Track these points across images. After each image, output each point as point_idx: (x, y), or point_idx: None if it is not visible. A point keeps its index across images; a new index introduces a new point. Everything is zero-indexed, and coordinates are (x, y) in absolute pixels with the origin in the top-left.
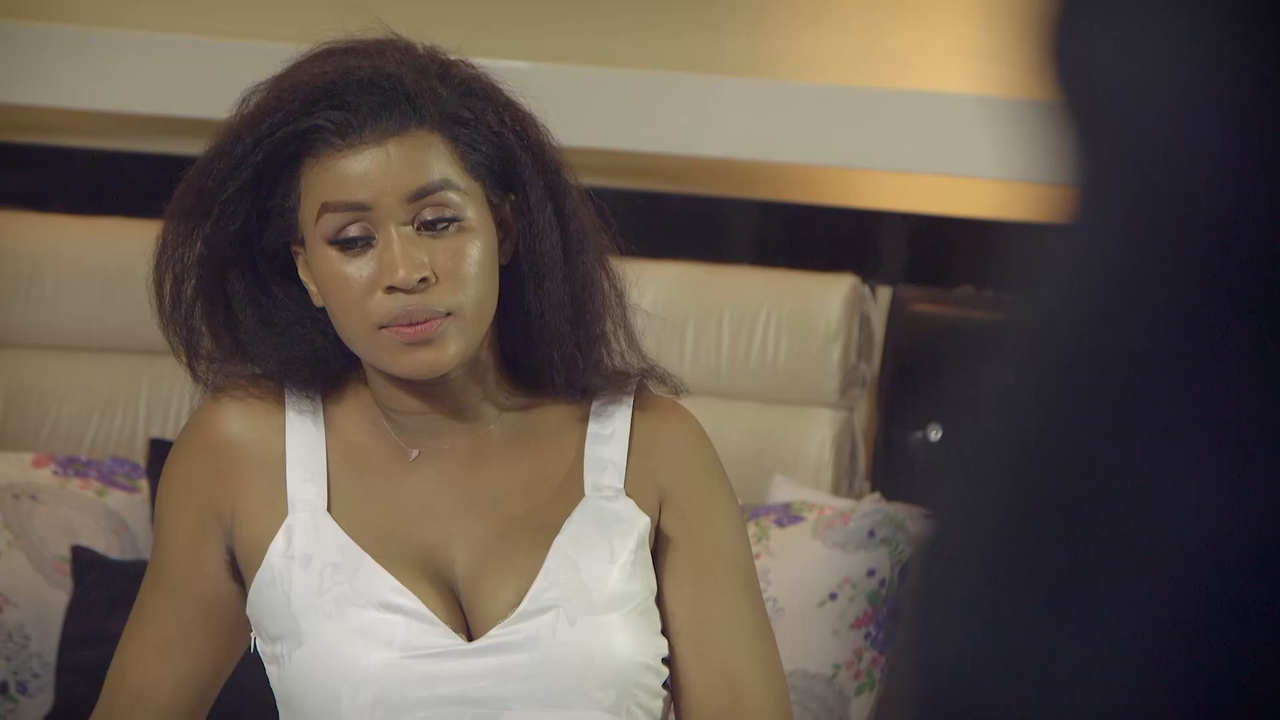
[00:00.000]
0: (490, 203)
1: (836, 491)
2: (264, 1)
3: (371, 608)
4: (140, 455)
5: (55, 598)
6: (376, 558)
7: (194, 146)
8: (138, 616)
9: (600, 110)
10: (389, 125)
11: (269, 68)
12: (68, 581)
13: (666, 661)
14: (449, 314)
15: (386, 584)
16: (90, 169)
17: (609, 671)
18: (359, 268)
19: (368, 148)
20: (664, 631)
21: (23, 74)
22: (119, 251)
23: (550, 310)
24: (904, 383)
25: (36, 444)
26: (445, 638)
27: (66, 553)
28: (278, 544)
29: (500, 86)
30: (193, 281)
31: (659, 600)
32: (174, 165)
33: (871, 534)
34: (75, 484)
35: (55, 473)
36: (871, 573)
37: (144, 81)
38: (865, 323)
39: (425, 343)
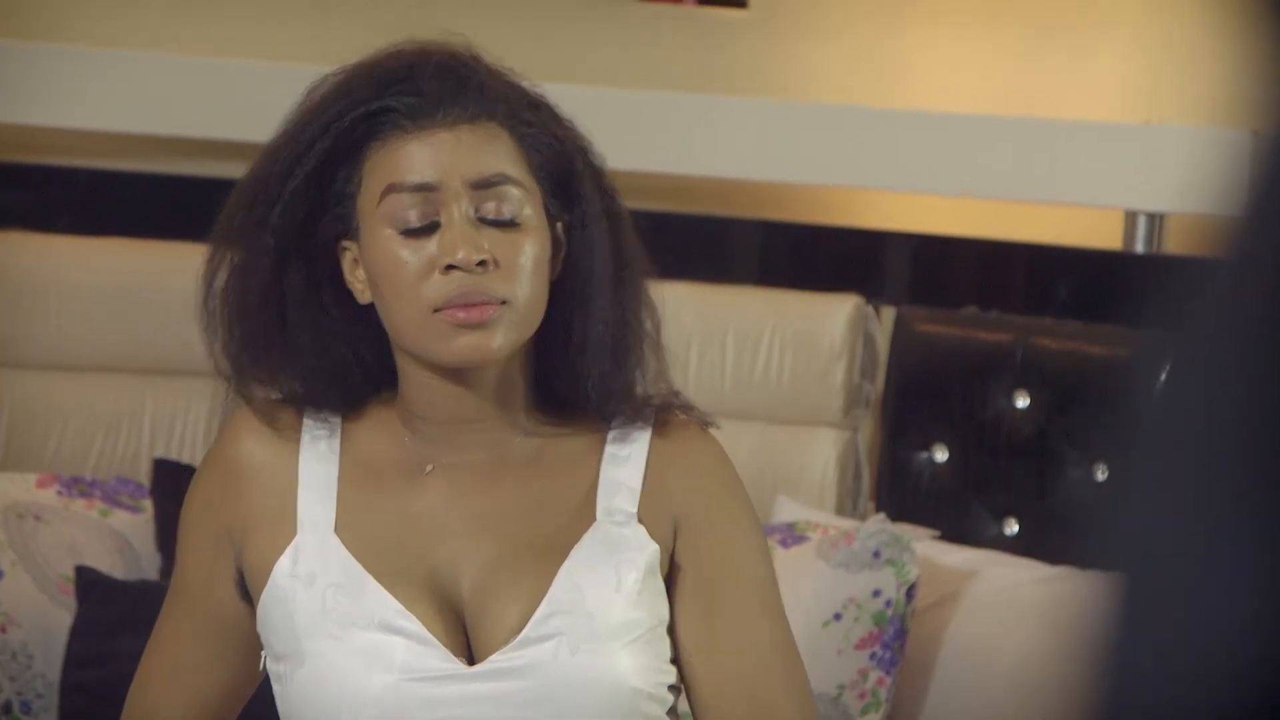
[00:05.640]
0: (547, 212)
1: (840, 511)
2: (268, 21)
3: (373, 629)
4: (144, 475)
5: (59, 618)
6: (381, 577)
7: (197, 167)
8: (155, 638)
9: (602, 130)
10: (460, 112)
11: (273, 87)
12: (71, 601)
13: (673, 689)
14: (503, 302)
15: (388, 606)
16: (93, 189)
17: (610, 701)
18: (417, 250)
19: (438, 131)
20: (679, 659)
21: (24, 94)
22: (122, 271)
23: (593, 328)
24: (908, 403)
25: (40, 464)
26: (445, 661)
27: (70, 573)
28: (283, 563)
29: (560, 110)
30: (253, 275)
31: (673, 627)
32: (177, 185)
33: (876, 554)
34: (79, 504)
35: (59, 493)
36: (876, 593)
37: (146, 101)
38: (869, 342)
39: (478, 326)
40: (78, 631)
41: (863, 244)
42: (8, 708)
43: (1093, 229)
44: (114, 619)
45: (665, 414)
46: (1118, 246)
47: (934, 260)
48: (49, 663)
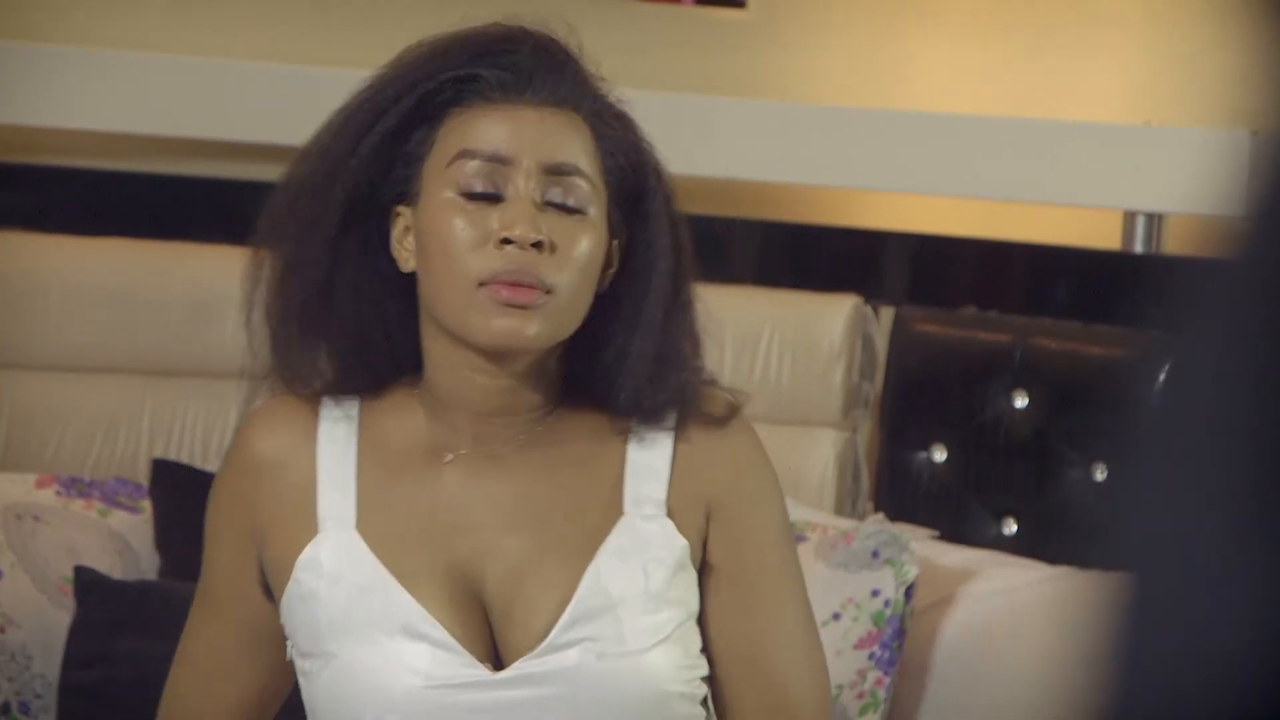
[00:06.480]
0: (609, 219)
1: (839, 512)
2: (265, 22)
3: (399, 634)
4: (143, 476)
5: (58, 618)
6: (405, 576)
7: (197, 167)
8: (186, 636)
9: None
10: (548, 94)
11: (273, 87)
12: (70, 602)
13: (706, 680)
14: (548, 291)
15: (412, 610)
16: (92, 189)
17: (639, 706)
18: (475, 220)
19: (522, 108)
20: (708, 649)
21: (24, 94)
22: (122, 271)
23: (637, 344)
24: (907, 403)
25: (39, 465)
26: (469, 668)
27: (69, 573)
28: (306, 561)
29: (641, 128)
30: (316, 228)
31: (704, 617)
32: (176, 185)
33: (875, 554)
34: (78, 505)
35: (58, 493)
36: (875, 593)
37: (146, 102)
38: (868, 343)
39: (520, 308)
40: (77, 632)
41: (862, 244)
42: (6, 708)
43: (1092, 229)
44: (113, 620)
45: (693, 397)
46: (1117, 247)
47: (933, 260)
48: (48, 663)
